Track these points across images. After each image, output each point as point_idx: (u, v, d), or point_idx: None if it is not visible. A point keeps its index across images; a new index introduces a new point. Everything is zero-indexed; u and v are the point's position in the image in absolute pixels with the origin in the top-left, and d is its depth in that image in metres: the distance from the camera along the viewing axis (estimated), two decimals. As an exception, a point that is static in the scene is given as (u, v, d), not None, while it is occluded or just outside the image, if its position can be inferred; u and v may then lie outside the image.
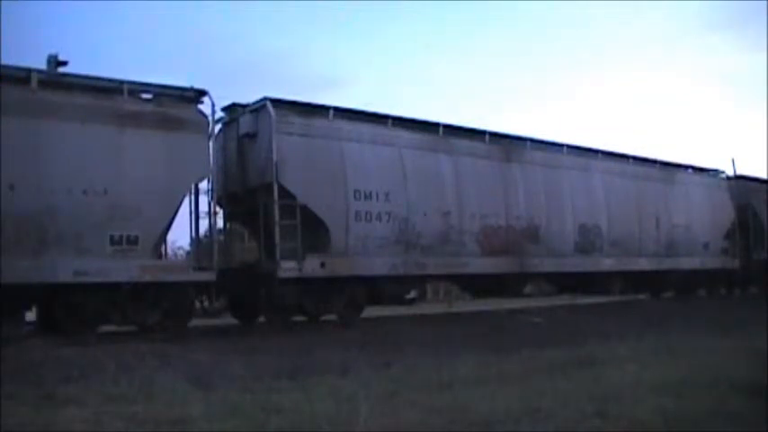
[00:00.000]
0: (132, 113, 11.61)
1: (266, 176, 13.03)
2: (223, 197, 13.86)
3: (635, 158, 20.54)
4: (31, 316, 11.76)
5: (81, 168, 10.97)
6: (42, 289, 10.55)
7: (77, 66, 11.70)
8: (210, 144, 12.58)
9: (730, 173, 24.19)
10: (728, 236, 23.04)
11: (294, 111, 13.57)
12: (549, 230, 17.04)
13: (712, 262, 22.23)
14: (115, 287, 11.21)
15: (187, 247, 16.22)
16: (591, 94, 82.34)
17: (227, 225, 15.22)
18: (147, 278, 11.40)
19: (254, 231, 14.33)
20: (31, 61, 11.46)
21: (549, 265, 17.15)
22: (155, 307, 11.74)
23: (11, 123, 10.34)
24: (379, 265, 13.93)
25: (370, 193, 13.94)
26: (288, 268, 12.73)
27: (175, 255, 17.79)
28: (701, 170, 23.47)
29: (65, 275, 10.64)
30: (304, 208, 13.02)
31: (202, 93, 12.46)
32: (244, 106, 13.96)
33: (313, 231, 13.12)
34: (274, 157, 12.83)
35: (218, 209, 13.53)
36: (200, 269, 12.29)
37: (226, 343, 10.90)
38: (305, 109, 13.81)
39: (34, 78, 10.88)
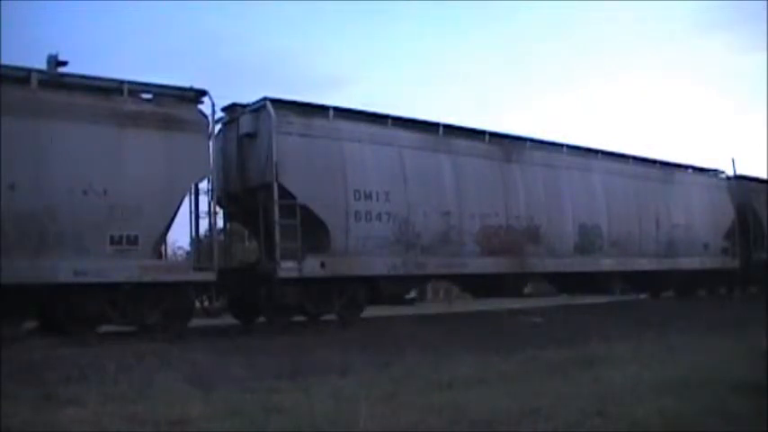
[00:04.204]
0: (132, 113, 11.61)
1: (266, 176, 13.02)
2: (223, 197, 13.86)
3: (635, 158, 20.52)
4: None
5: (81, 168, 10.97)
6: (42, 289, 10.54)
7: (77, 66, 11.73)
8: (210, 144, 12.60)
9: (730, 173, 24.20)
10: (728, 236, 22.99)
11: (294, 111, 13.56)
12: (549, 230, 17.02)
13: (712, 262, 22.20)
14: (115, 287, 11.22)
15: (187, 247, 16.23)
16: (591, 95, 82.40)
17: (227, 225, 15.22)
18: (147, 278, 11.39)
19: (254, 231, 14.33)
20: (31, 61, 11.48)
21: (549, 265, 17.14)
22: (155, 307, 11.73)
23: (11, 123, 10.33)
24: (379, 265, 13.93)
25: (370, 193, 13.94)
26: (288, 268, 12.73)
27: (175, 255, 17.80)
28: (701, 170, 23.45)
29: (65, 275, 10.64)
30: (304, 208, 13.02)
31: (202, 93, 12.47)
32: (244, 106, 13.95)
33: (313, 231, 13.11)
34: (274, 157, 12.82)
35: (218, 209, 13.53)
36: (201, 269, 12.29)
37: (226, 343, 10.90)
38: (305, 109, 13.80)
39: (34, 78, 10.89)
